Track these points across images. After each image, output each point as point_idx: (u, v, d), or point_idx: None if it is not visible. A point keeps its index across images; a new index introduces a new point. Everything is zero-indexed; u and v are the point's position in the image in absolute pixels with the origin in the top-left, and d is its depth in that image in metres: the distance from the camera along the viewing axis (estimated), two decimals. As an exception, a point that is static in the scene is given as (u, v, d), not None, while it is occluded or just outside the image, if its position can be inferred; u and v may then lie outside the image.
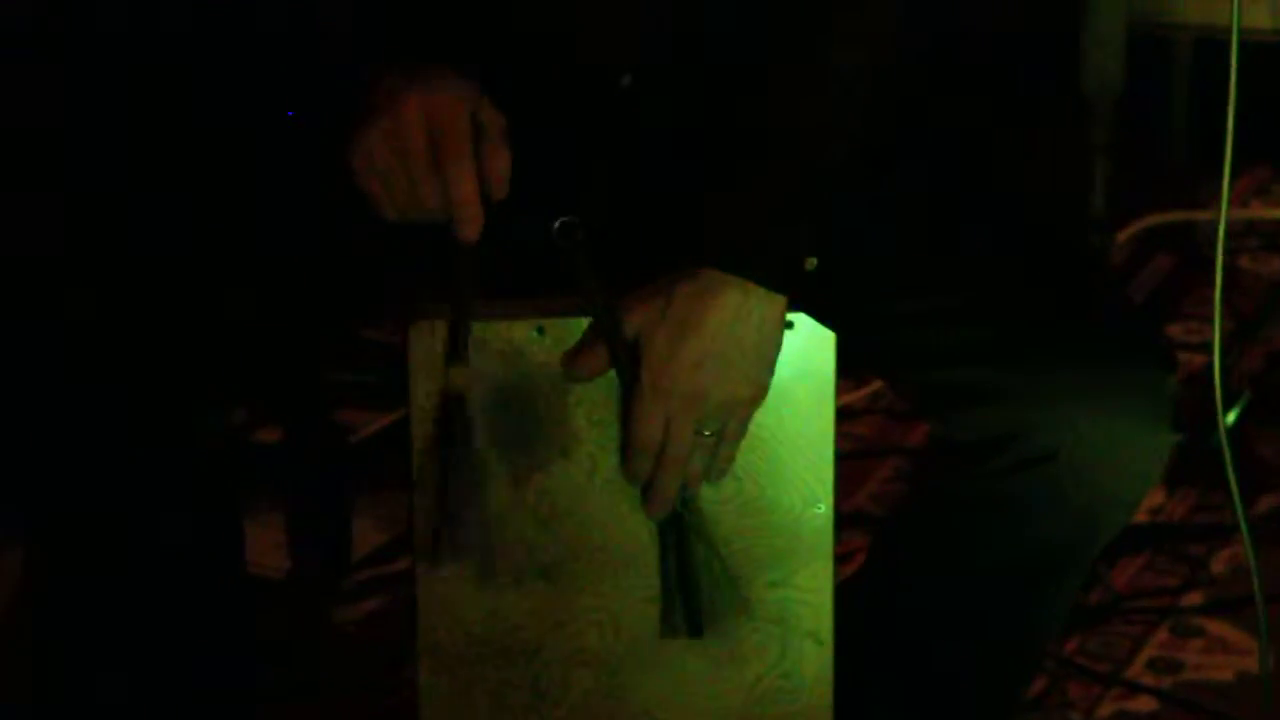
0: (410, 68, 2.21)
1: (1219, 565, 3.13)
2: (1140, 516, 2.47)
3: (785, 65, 2.30)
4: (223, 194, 2.27)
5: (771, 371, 2.29)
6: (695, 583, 2.34)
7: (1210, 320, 3.57)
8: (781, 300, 2.27)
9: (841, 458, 2.37)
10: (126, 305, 2.19)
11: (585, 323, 2.27)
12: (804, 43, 2.30)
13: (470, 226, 2.19)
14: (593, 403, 2.30)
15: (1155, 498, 2.64)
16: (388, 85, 2.20)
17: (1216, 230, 3.34)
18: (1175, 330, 3.52)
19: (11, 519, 2.60)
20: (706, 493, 2.32)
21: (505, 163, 2.21)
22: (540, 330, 2.29)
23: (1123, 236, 3.62)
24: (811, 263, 2.27)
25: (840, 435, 2.36)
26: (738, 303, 2.25)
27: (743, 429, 2.29)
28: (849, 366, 2.36)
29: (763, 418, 2.31)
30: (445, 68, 2.22)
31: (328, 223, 2.25)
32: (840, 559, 2.38)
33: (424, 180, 2.18)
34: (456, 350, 2.27)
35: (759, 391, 2.28)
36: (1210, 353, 3.41)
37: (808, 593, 2.36)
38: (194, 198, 2.27)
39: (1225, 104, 3.82)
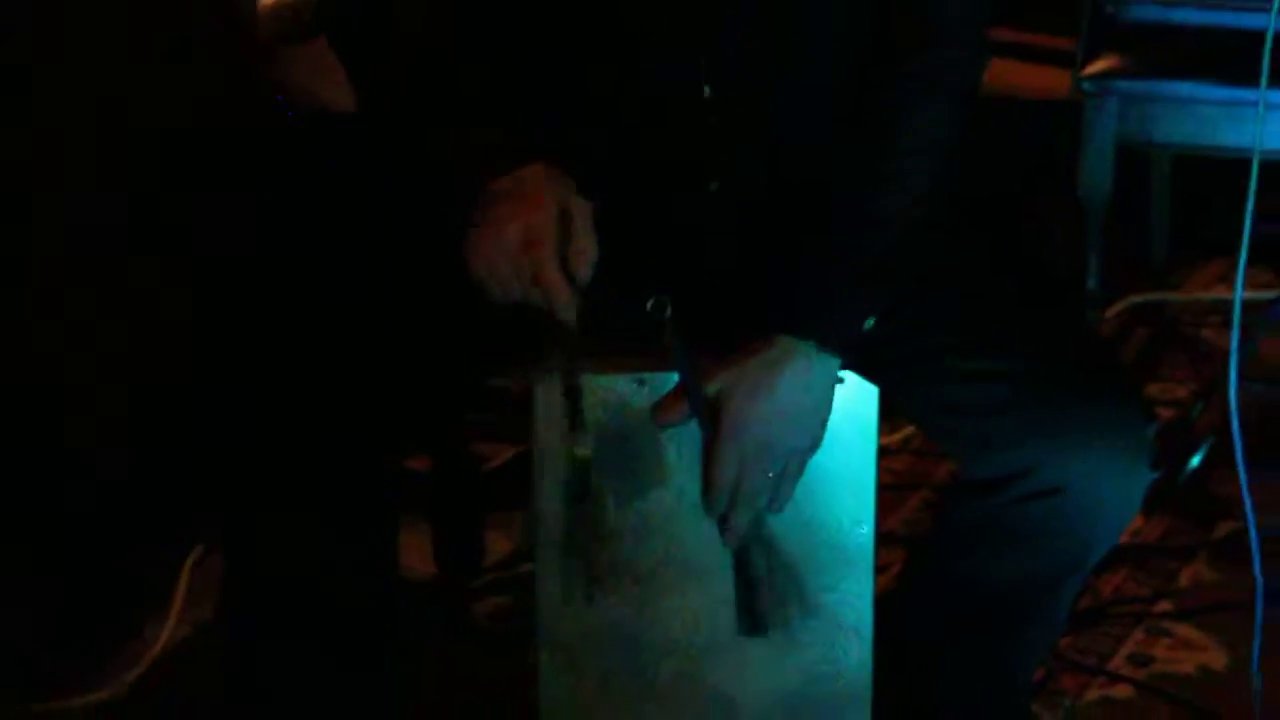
0: (515, 175, 2.21)
1: (1185, 579, 3.11)
2: (1122, 538, 2.44)
3: (863, 163, 2.28)
4: (402, 286, 2.28)
5: (826, 423, 2.28)
6: (761, 591, 2.33)
7: (1179, 381, 3.58)
8: (838, 361, 2.26)
9: (880, 489, 2.37)
10: (333, 367, 2.22)
11: (675, 376, 2.26)
12: (881, 142, 2.28)
13: (559, 306, 2.19)
14: (681, 442, 2.28)
15: (1134, 523, 2.62)
16: (494, 189, 2.20)
17: (1187, 308, 3.34)
18: (1152, 389, 3.50)
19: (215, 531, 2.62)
20: (771, 516, 2.31)
21: (589, 250, 2.20)
22: (639, 383, 2.29)
23: (1111, 313, 3.61)
24: (869, 323, 2.27)
25: (879, 470, 2.36)
26: (803, 368, 2.23)
27: (801, 469, 2.27)
28: (886, 414, 2.36)
29: (817, 457, 2.29)
30: (541, 169, 2.22)
31: (469, 302, 2.24)
32: (879, 570, 2.38)
33: (517, 271, 2.18)
34: (571, 399, 2.27)
35: (816, 441, 2.27)
36: (1179, 408, 3.42)
37: (852, 597, 2.36)
38: (378, 292, 2.28)
39: (1195, 207, 3.81)
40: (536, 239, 2.18)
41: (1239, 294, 2.49)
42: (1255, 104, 2.93)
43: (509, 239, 2.18)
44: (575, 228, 2.20)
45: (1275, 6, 2.50)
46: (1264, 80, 2.52)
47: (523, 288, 2.20)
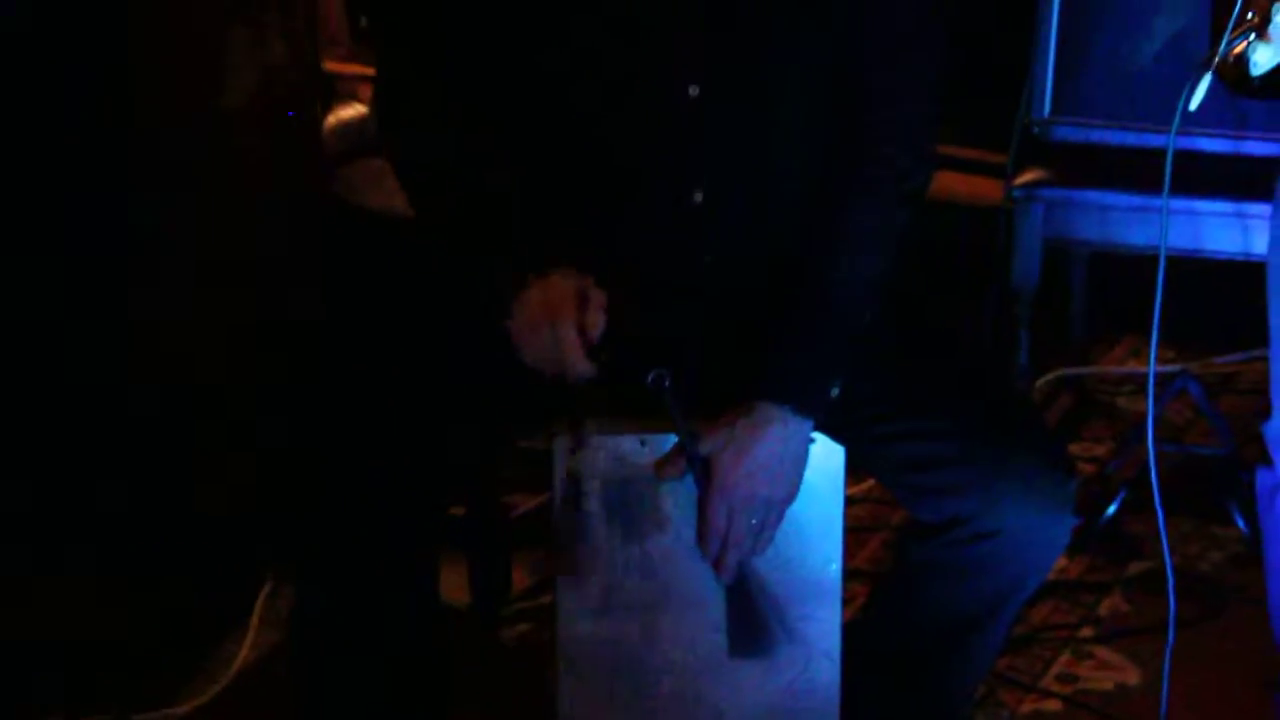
0: (544, 274, 2.21)
1: (1104, 609, 3.09)
2: (1050, 574, 2.45)
3: (828, 258, 2.29)
4: (450, 369, 2.30)
5: (801, 478, 2.28)
6: (748, 618, 2.34)
7: (1097, 441, 3.58)
8: (810, 423, 2.26)
9: (847, 532, 2.37)
10: (394, 433, 2.23)
11: (673, 437, 2.26)
12: (844, 239, 2.29)
13: (576, 369, 2.18)
14: (678, 493, 2.28)
15: (1060, 561, 2.61)
16: (529, 283, 2.21)
17: (1102, 380, 3.34)
18: (1074, 448, 3.49)
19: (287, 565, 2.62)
20: (755, 556, 2.32)
21: (598, 322, 2.18)
22: (642, 442, 2.28)
23: (1039, 384, 3.61)
24: (835, 393, 2.27)
25: (846, 516, 2.36)
26: (781, 430, 2.24)
27: (781, 518, 2.28)
28: (851, 468, 2.35)
29: (794, 506, 2.29)
30: (568, 270, 2.21)
31: (506, 377, 2.25)
32: (846, 602, 2.37)
33: (545, 338, 2.19)
34: (584, 456, 2.28)
35: (793, 492, 2.27)
36: (1097, 464, 3.42)
37: (824, 624, 2.35)
38: (428, 374, 2.30)
39: (1108, 294, 3.81)
40: (559, 315, 2.18)
41: (1152, 368, 2.51)
42: (1159, 209, 2.94)
43: (536, 315, 2.19)
44: (589, 307, 2.20)
45: (1174, 127, 2.51)
46: (1166, 189, 2.53)
47: (550, 354, 2.20)
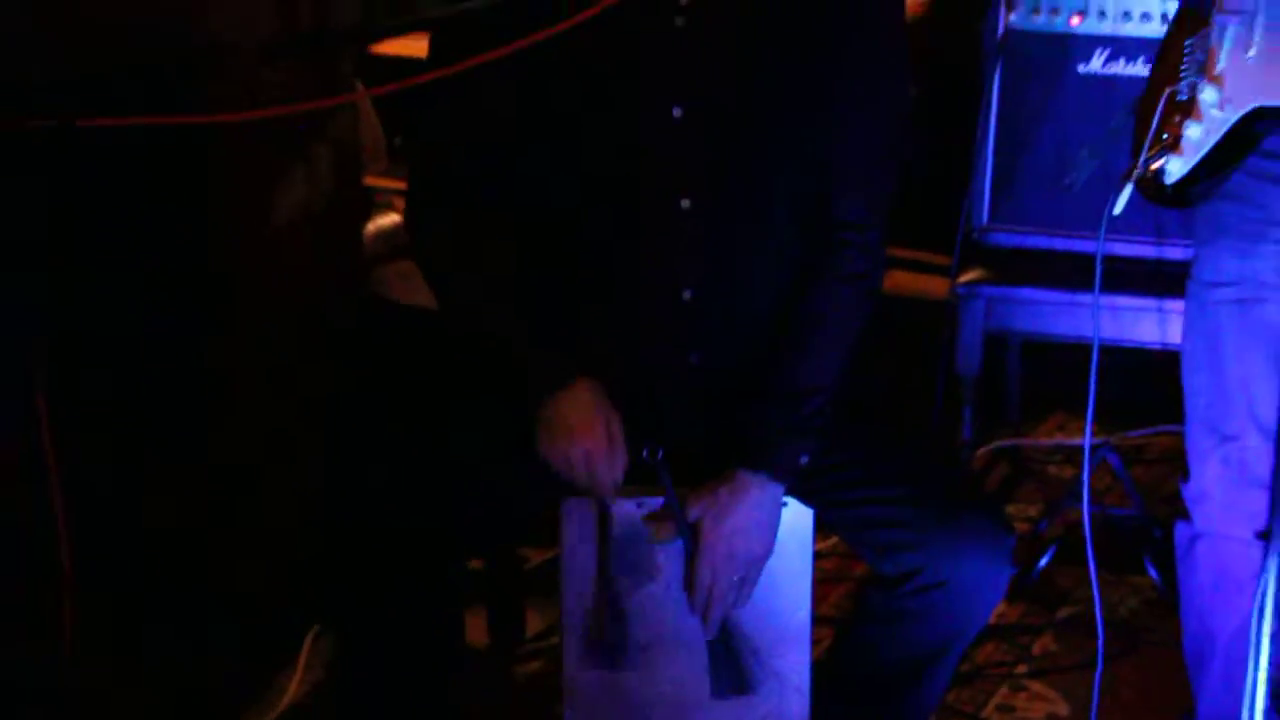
0: (572, 394, 2.21)
1: (1037, 649, 3.09)
2: (991, 619, 2.44)
3: (798, 348, 2.29)
4: (479, 457, 2.29)
5: (775, 536, 2.28)
6: (729, 659, 2.32)
7: (1030, 503, 3.57)
8: (782, 489, 2.27)
9: (815, 583, 2.37)
10: (431, 503, 2.23)
11: (664, 503, 2.26)
12: (810, 331, 2.29)
13: (603, 492, 2.22)
14: (669, 549, 2.28)
15: (999, 607, 2.60)
16: (558, 403, 2.21)
17: (1035, 450, 3.32)
18: (1011, 509, 3.49)
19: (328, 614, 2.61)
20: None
21: (623, 464, 2.22)
22: (638, 505, 2.27)
23: (980, 454, 3.61)
24: (804, 461, 2.27)
25: (814, 569, 2.36)
26: (758, 495, 2.25)
27: (759, 574, 2.28)
28: (818, 527, 2.35)
29: (770, 562, 2.29)
30: (587, 390, 2.22)
31: (535, 472, 2.25)
32: (815, 644, 2.37)
33: (579, 477, 2.20)
34: (589, 517, 2.27)
35: (768, 550, 2.28)
36: (1030, 523, 3.41)
37: (795, 664, 2.34)
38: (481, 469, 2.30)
39: (1039, 377, 3.79)
40: (595, 465, 2.20)
41: (1088, 440, 2.50)
42: (1086, 305, 2.95)
43: (577, 459, 2.20)
44: (614, 448, 2.21)
45: (1101, 234, 2.51)
46: (1097, 289, 2.53)
47: (578, 481, 2.22)
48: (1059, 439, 3.79)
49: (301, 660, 2.93)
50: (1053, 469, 3.73)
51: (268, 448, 3.12)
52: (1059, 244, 3.36)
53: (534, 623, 3.06)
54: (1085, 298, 3.23)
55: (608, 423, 2.22)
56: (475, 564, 2.98)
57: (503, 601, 3.03)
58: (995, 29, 3.36)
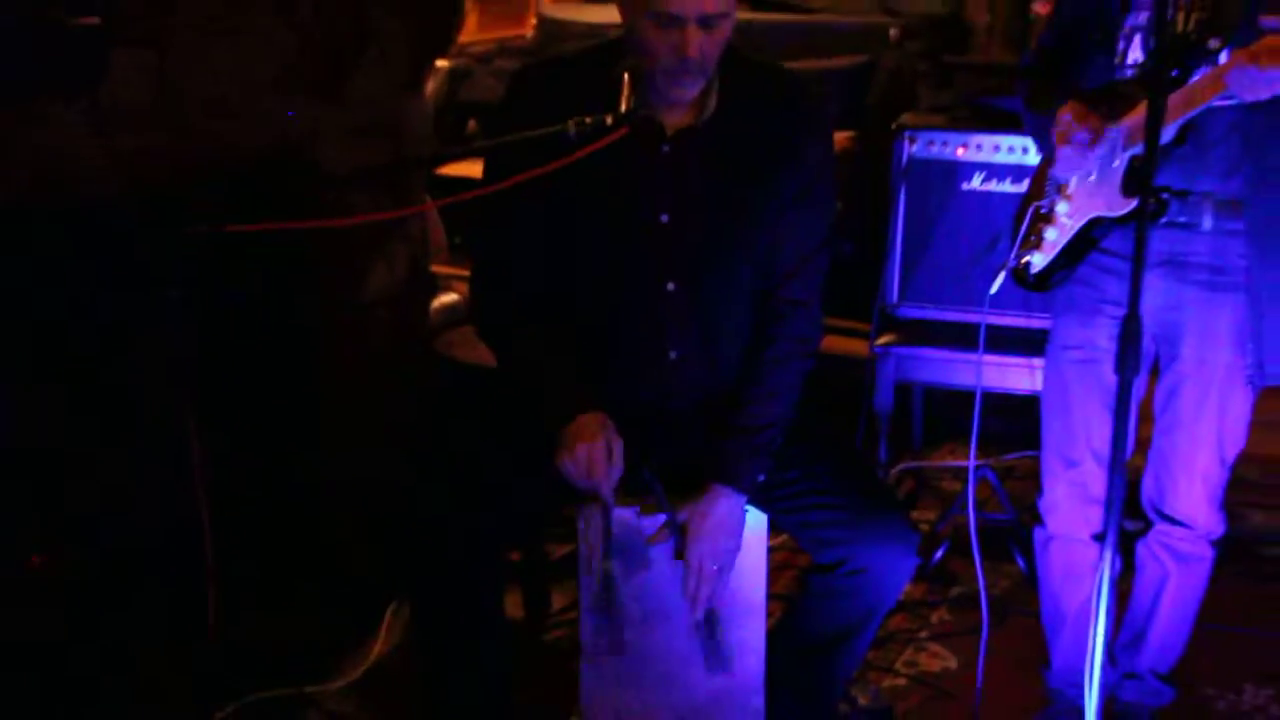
0: (582, 418, 2.20)
1: (935, 619, 3.06)
2: (900, 596, 2.42)
3: (757, 393, 2.27)
4: (520, 471, 2.27)
5: (742, 534, 2.27)
6: (706, 628, 2.31)
7: (929, 509, 3.56)
8: (745, 499, 2.26)
9: (770, 570, 2.36)
10: (486, 508, 2.23)
11: (660, 512, 2.25)
12: (767, 383, 2.28)
13: (602, 490, 2.19)
14: (661, 547, 2.27)
15: (907, 587, 2.56)
16: (573, 426, 2.20)
17: (934, 470, 3.29)
18: (915, 514, 3.42)
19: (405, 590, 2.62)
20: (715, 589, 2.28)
21: (618, 471, 2.20)
22: (638, 514, 2.27)
23: (893, 472, 3.56)
24: (761, 479, 2.27)
25: (769, 559, 2.35)
26: (729, 505, 2.24)
27: (732, 562, 2.26)
28: (772, 528, 2.34)
29: (738, 558, 2.28)
30: (595, 416, 2.21)
31: (557, 484, 2.26)
32: (770, 616, 2.35)
33: (586, 481, 2.19)
34: (600, 522, 2.26)
35: (738, 545, 2.27)
36: (929, 525, 3.40)
37: (754, 631, 2.33)
38: (508, 474, 2.27)
39: (938, 414, 3.78)
40: (596, 469, 2.18)
41: (972, 462, 2.51)
42: (971, 362, 2.96)
43: (583, 463, 2.19)
44: (613, 455, 2.20)
45: (984, 310, 2.53)
46: (981, 348, 2.56)
47: (586, 483, 2.20)
48: (950, 461, 3.77)
49: (384, 627, 2.91)
50: (945, 484, 3.71)
51: (362, 465, 3.13)
52: (950, 316, 3.34)
53: (558, 601, 3.04)
54: (971, 356, 3.25)
55: (607, 439, 2.19)
56: (514, 556, 2.96)
57: (534, 584, 3.01)
58: (901, 158, 3.36)
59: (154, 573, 2.55)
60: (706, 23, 2.10)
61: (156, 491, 1.96)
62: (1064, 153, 2.30)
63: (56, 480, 2.45)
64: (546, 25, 4.87)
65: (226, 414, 2.51)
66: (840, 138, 4.13)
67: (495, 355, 2.37)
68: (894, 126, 3.40)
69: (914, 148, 3.34)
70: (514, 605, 2.94)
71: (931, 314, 3.39)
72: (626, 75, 2.09)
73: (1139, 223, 1.93)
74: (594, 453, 2.18)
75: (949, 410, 3.83)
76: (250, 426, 2.88)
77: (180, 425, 1.88)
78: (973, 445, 2.52)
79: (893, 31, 4.96)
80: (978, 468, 3.51)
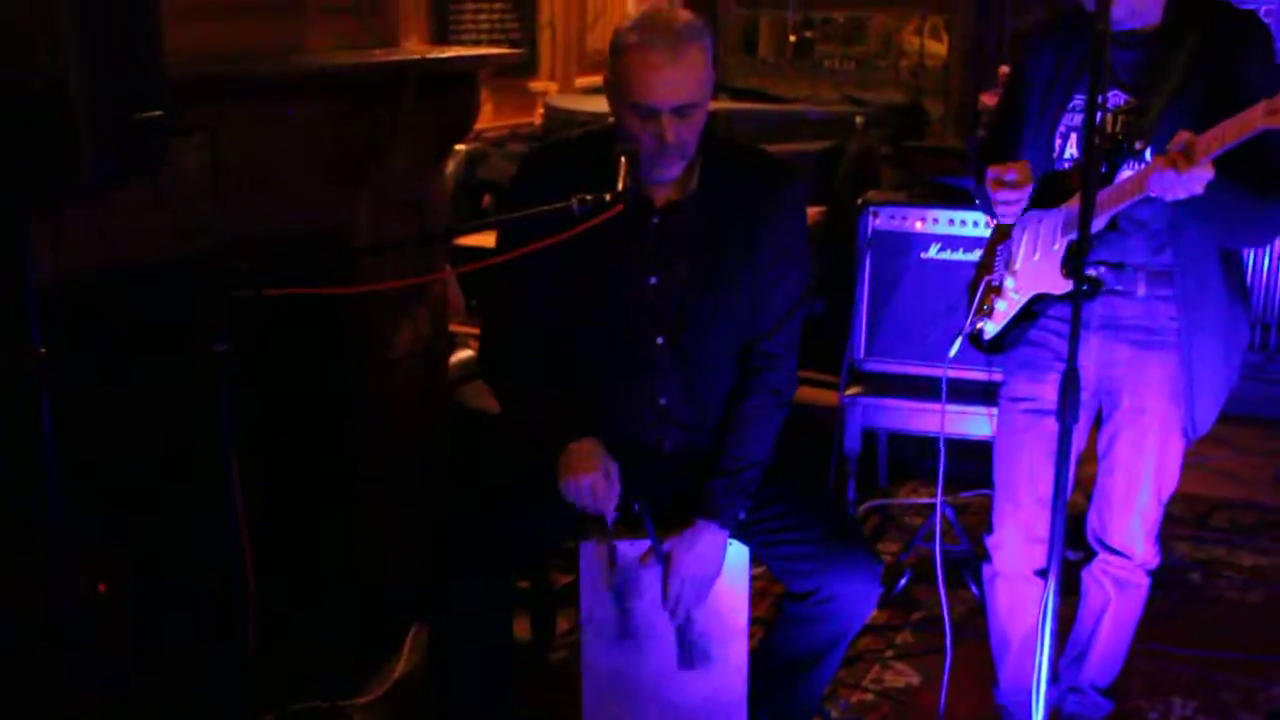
0: (581, 446, 2.20)
1: (899, 640, 3.05)
2: (867, 621, 2.41)
3: (738, 438, 2.27)
4: (527, 501, 2.28)
5: (722, 564, 2.27)
6: (694, 648, 2.31)
7: (893, 541, 3.55)
8: (727, 533, 2.26)
9: (751, 595, 2.35)
10: (497, 538, 2.24)
11: (649, 541, 2.25)
12: (746, 430, 2.28)
13: (600, 509, 2.19)
14: (652, 574, 2.26)
15: (873, 613, 2.57)
16: (573, 452, 2.20)
17: (896, 508, 3.26)
18: (881, 547, 3.43)
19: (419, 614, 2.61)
20: (697, 610, 2.28)
21: (617, 491, 2.19)
22: (631, 544, 2.26)
23: (861, 509, 3.56)
24: (742, 515, 2.27)
25: (751, 586, 2.35)
26: (712, 538, 2.24)
27: (710, 587, 2.26)
28: (752, 559, 2.33)
29: (720, 581, 2.27)
30: (592, 444, 2.20)
31: (561, 517, 2.26)
32: (751, 637, 2.35)
33: (588, 502, 2.19)
34: (598, 551, 2.26)
35: (717, 572, 2.27)
36: (893, 556, 3.38)
37: (737, 651, 2.32)
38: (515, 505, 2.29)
39: (898, 456, 3.77)
40: (599, 491, 2.18)
41: (940, 501, 2.52)
42: (933, 411, 2.97)
43: (586, 490, 2.18)
44: (611, 477, 2.20)
45: (945, 364, 2.54)
46: (944, 400, 2.56)
47: (589, 506, 2.20)
48: (913, 499, 3.75)
49: (406, 648, 2.90)
50: (908, 519, 3.69)
51: (391, 501, 3.13)
52: (912, 370, 3.36)
53: (562, 624, 3.02)
54: (928, 405, 3.26)
55: (605, 464, 2.19)
56: (522, 584, 2.95)
57: (540, 609, 2.99)
58: (866, 229, 3.39)
59: (203, 599, 2.54)
60: (680, 112, 2.13)
61: (207, 526, 1.96)
62: (1000, 197, 2.31)
63: (123, 513, 2.46)
64: (552, 114, 4.93)
65: (268, 458, 2.51)
66: (812, 212, 4.15)
67: (496, 395, 2.36)
68: (860, 202, 3.43)
69: (877, 221, 3.37)
70: (522, 628, 2.92)
71: (893, 368, 3.40)
72: (623, 158, 2.11)
73: (1074, 302, 1.94)
74: (595, 479, 2.18)
75: (912, 454, 3.83)
76: (290, 470, 2.88)
77: (225, 467, 1.88)
78: (940, 485, 2.52)
79: (859, 119, 5.02)
80: (935, 505, 3.54)
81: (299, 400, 2.92)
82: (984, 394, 3.10)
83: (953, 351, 2.52)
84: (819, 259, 4.14)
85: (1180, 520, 3.62)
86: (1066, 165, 2.34)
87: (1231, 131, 2.01)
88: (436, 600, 2.22)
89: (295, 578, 2.85)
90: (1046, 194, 2.34)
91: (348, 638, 2.92)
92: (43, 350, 1.66)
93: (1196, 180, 2.06)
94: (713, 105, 2.25)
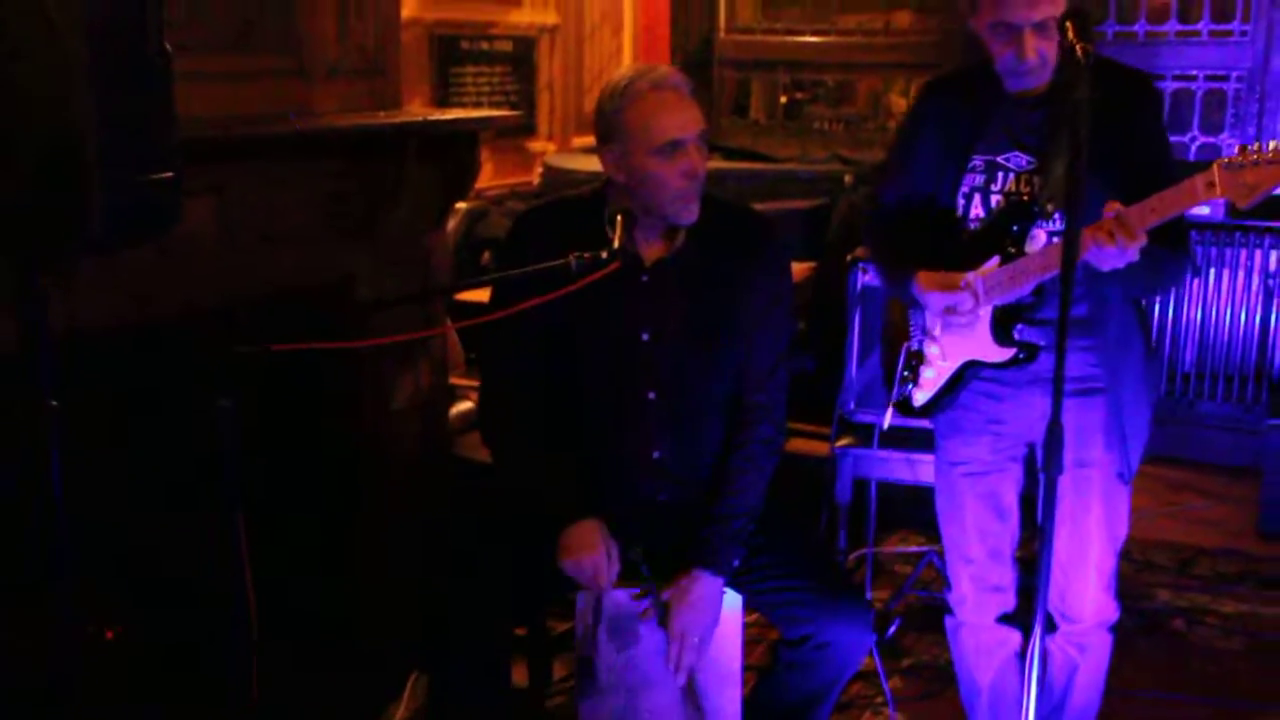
0: (581, 525, 2.21)
1: (892, 684, 3.03)
2: (859, 668, 2.40)
3: (731, 488, 2.28)
4: (528, 562, 2.28)
5: (719, 612, 2.27)
6: (690, 696, 2.30)
7: (882, 588, 3.53)
8: (722, 581, 2.26)
9: (744, 642, 2.35)
10: (496, 591, 2.24)
11: (648, 593, 2.25)
12: (738, 480, 2.29)
13: (600, 587, 2.21)
14: (650, 624, 2.27)
15: (864, 660, 2.56)
16: (574, 532, 2.20)
17: (886, 555, 3.25)
18: (872, 594, 3.43)
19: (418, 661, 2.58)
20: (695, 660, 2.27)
21: (617, 569, 2.21)
22: (630, 595, 2.27)
23: (851, 558, 3.53)
24: (736, 564, 2.27)
25: (744, 633, 2.34)
26: (708, 586, 2.25)
27: (710, 636, 2.26)
28: (747, 607, 2.33)
29: (717, 632, 2.27)
30: (593, 523, 2.21)
31: (558, 573, 2.25)
32: (745, 684, 2.34)
33: (588, 582, 2.20)
34: (595, 603, 2.26)
35: (716, 621, 2.27)
36: (883, 604, 3.36)
37: (731, 698, 2.31)
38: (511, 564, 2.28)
39: (886, 507, 3.75)
40: (600, 574, 2.20)
41: (929, 552, 2.49)
42: (919, 462, 2.95)
43: (588, 571, 2.20)
44: (611, 557, 2.21)
45: (875, 438, 2.52)
46: (938, 452, 2.53)
47: (589, 584, 2.22)
48: (901, 548, 3.75)
49: (407, 693, 2.88)
50: (897, 567, 3.69)
51: (393, 549, 3.12)
52: (898, 421, 3.35)
53: (558, 671, 3.00)
54: (917, 455, 3.25)
55: (606, 545, 2.21)
56: (520, 631, 2.94)
57: (537, 657, 2.95)
58: (856, 285, 3.39)
59: (207, 645, 2.53)
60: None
61: (211, 575, 1.96)
62: (950, 322, 2.30)
63: (129, 562, 2.44)
64: (549, 173, 4.96)
65: (272, 508, 2.51)
66: (802, 268, 4.17)
67: (495, 457, 2.37)
68: (849, 259, 3.42)
69: (866, 277, 3.36)
70: (520, 674, 2.90)
71: (881, 418, 3.38)
72: (620, 216, 2.13)
73: (1057, 361, 1.90)
74: (597, 560, 2.19)
75: (900, 504, 3.81)
76: (294, 519, 2.87)
77: (230, 518, 1.88)
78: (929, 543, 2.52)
79: (847, 178, 5.05)
80: (924, 553, 3.53)
81: (300, 454, 2.91)
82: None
83: (886, 424, 2.51)
84: (810, 314, 4.17)
85: (1162, 568, 3.61)
86: (972, 225, 2.30)
87: (1171, 204, 2.02)
88: (436, 647, 2.21)
89: (296, 628, 2.83)
90: (959, 257, 2.29)
91: (349, 682, 2.90)
92: (54, 404, 1.66)
93: (1134, 251, 2.06)
94: (707, 165, 2.26)
